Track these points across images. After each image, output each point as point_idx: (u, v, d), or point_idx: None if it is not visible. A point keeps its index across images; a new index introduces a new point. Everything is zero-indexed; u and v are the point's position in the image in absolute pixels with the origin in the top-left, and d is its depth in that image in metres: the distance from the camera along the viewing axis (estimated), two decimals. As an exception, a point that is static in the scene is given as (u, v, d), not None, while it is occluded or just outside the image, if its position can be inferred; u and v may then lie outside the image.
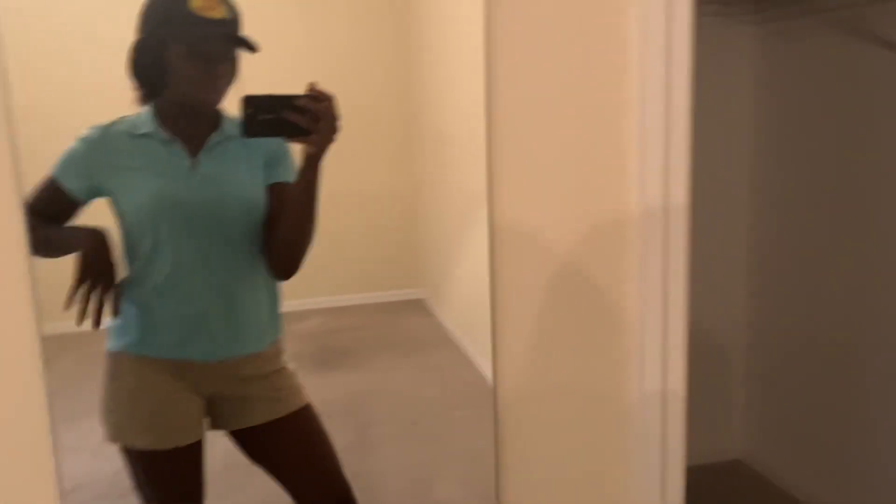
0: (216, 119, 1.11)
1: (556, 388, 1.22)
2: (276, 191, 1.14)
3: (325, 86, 1.04)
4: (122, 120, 1.09)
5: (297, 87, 1.04)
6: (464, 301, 1.80)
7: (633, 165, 1.17)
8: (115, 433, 1.13)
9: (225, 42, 1.05)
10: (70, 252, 1.05)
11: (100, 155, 1.06)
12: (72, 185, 1.05)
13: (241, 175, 1.12)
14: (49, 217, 1.03)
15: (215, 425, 1.20)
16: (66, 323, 2.25)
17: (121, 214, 1.07)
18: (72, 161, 1.05)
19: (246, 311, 1.17)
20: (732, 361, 2.55)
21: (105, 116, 1.08)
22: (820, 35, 2.12)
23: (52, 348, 2.13)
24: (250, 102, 0.97)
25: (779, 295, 2.41)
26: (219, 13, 1.05)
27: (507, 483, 1.23)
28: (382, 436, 1.38)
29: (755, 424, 2.57)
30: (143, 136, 1.08)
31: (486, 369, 1.58)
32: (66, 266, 2.05)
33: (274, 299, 1.23)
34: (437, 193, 1.91)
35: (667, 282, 1.17)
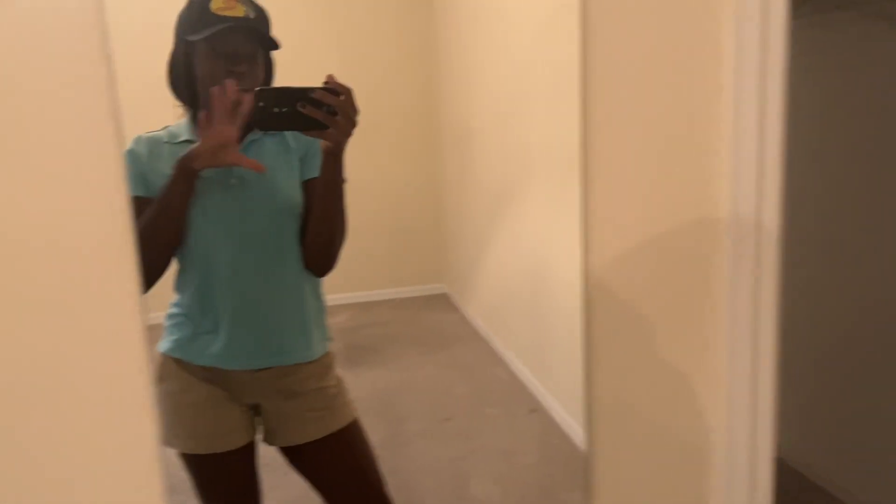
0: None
1: (645, 402, 1.19)
2: (311, 187, 1.12)
3: (348, 81, 1.03)
4: (163, 130, 1.09)
5: (318, 80, 1.03)
6: (490, 296, 1.78)
7: (726, 175, 1.15)
8: (166, 437, 1.12)
9: (242, 38, 1.03)
10: (177, 200, 1.03)
11: (146, 163, 1.06)
12: (142, 192, 1.05)
13: (279, 173, 1.11)
14: None
15: (264, 438, 1.18)
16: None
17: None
18: (131, 175, 1.05)
19: (291, 318, 1.15)
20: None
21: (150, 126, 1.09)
22: (858, 26, 2.07)
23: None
24: (262, 95, 0.95)
25: (811, 293, 2.37)
26: (239, 11, 1.03)
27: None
28: (415, 433, 1.37)
29: (794, 423, 2.53)
30: (183, 143, 1.07)
31: (515, 365, 1.56)
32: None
33: (321, 308, 1.21)
34: (461, 188, 1.89)
35: (757, 297, 1.15)
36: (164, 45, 1.13)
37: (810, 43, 2.25)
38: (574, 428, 1.26)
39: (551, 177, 1.45)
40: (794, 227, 2.40)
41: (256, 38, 1.05)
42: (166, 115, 1.13)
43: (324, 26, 2.81)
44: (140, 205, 1.03)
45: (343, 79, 1.03)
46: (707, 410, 1.24)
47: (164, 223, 1.04)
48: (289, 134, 1.10)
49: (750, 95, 1.10)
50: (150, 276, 1.05)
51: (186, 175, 1.02)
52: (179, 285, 1.10)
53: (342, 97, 0.96)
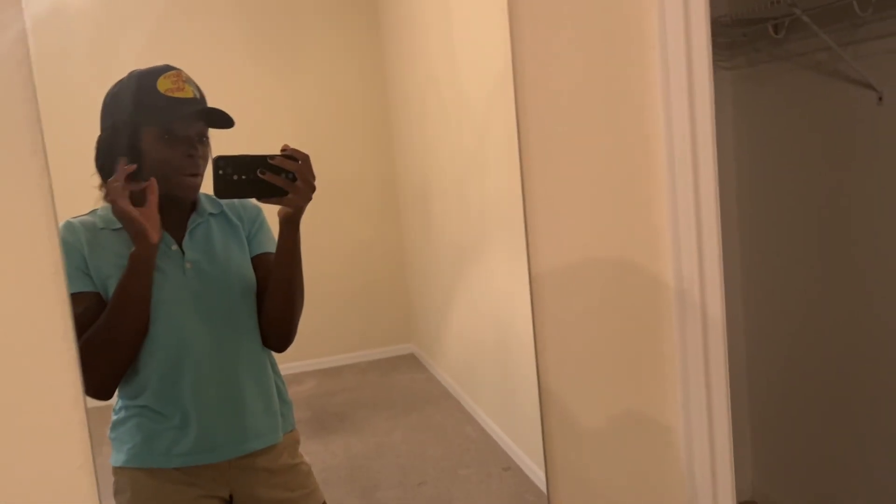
0: (193, 201, 1.09)
1: (602, 426, 1.19)
2: (261, 262, 1.11)
3: (305, 146, 1.04)
4: (93, 213, 1.04)
5: (275, 148, 1.04)
6: (457, 353, 1.77)
7: (666, 219, 1.18)
8: None
9: (202, 119, 1.03)
10: (133, 294, 0.98)
11: (86, 254, 1.01)
12: (88, 285, 0.99)
13: (232, 254, 1.09)
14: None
15: None
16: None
17: None
18: (71, 269, 0.98)
19: (259, 398, 1.11)
20: (736, 407, 2.55)
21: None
22: (788, 76, 2.19)
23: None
24: (223, 162, 0.95)
25: (774, 338, 2.42)
26: (188, 93, 1.03)
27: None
28: (389, 499, 1.34)
29: (764, 465, 2.54)
30: (121, 229, 1.02)
31: (486, 423, 1.55)
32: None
33: (282, 383, 1.18)
34: (423, 248, 1.91)
35: (706, 329, 1.17)
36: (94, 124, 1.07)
37: (748, 95, 2.36)
38: (545, 483, 1.25)
39: (511, 233, 1.48)
40: (748, 271, 2.47)
41: (212, 119, 1.04)
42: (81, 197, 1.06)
43: (278, 94, 2.85)
44: (84, 301, 0.98)
45: (299, 145, 1.04)
46: (664, 463, 1.25)
47: (129, 318, 0.99)
48: (230, 211, 1.10)
49: (683, 151, 1.15)
50: (115, 376, 1.01)
51: (145, 263, 0.99)
52: (132, 384, 1.03)
53: (300, 163, 0.97)
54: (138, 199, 0.97)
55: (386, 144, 2.85)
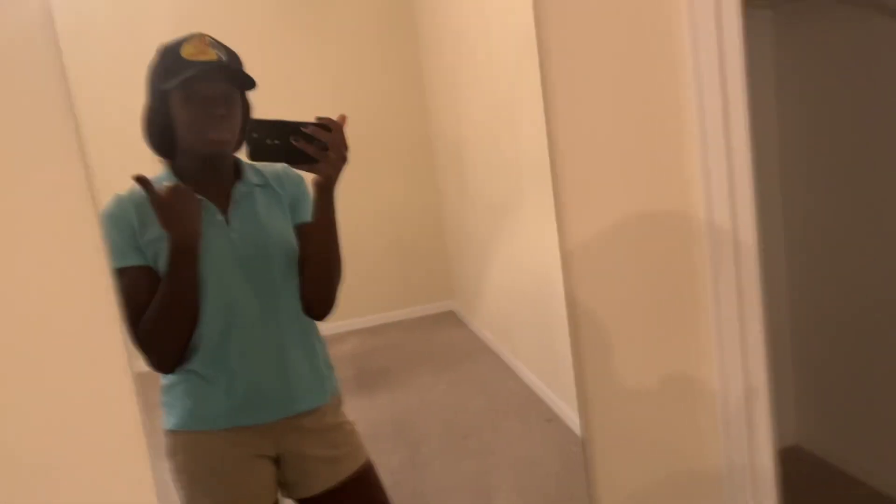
0: (235, 169, 1.10)
1: (638, 391, 1.20)
2: (302, 231, 1.12)
3: (338, 107, 1.04)
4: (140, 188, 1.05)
5: (311, 112, 1.04)
6: (497, 309, 1.79)
7: (697, 169, 1.16)
8: None
9: (217, 81, 1.03)
10: (183, 283, 1.01)
11: (137, 228, 1.03)
12: (138, 260, 1.01)
13: (275, 223, 1.10)
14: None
15: (285, 493, 1.17)
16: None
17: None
18: (119, 242, 1.01)
19: (302, 362, 1.14)
20: (779, 350, 2.52)
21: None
22: (832, 12, 2.10)
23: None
24: (257, 127, 0.96)
25: (818, 280, 2.38)
26: (211, 56, 1.03)
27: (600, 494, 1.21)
28: (434, 453, 1.37)
29: (809, 409, 2.53)
30: None
31: (527, 376, 1.57)
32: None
33: (325, 346, 1.20)
34: (460, 205, 1.91)
35: (741, 285, 1.16)
36: (130, 99, 1.10)
37: (789, 35, 2.27)
38: (591, 434, 1.26)
39: (547, 187, 1.47)
40: (791, 217, 2.42)
41: (231, 79, 1.04)
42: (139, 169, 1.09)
43: (314, 58, 2.84)
44: (136, 275, 1.01)
45: (332, 105, 1.04)
46: (701, 410, 1.25)
47: (181, 307, 1.02)
48: (275, 182, 1.11)
49: (713, 95, 1.12)
50: (175, 354, 1.05)
51: (187, 259, 1.00)
52: (193, 348, 1.08)
53: (333, 132, 0.98)
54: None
55: (419, 103, 2.84)
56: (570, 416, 1.40)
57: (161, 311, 1.01)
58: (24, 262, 0.88)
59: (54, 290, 0.89)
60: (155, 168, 1.09)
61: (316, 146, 0.97)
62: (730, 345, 1.17)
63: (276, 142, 0.96)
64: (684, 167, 1.16)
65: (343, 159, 1.01)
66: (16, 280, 0.88)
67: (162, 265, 1.02)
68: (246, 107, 1.09)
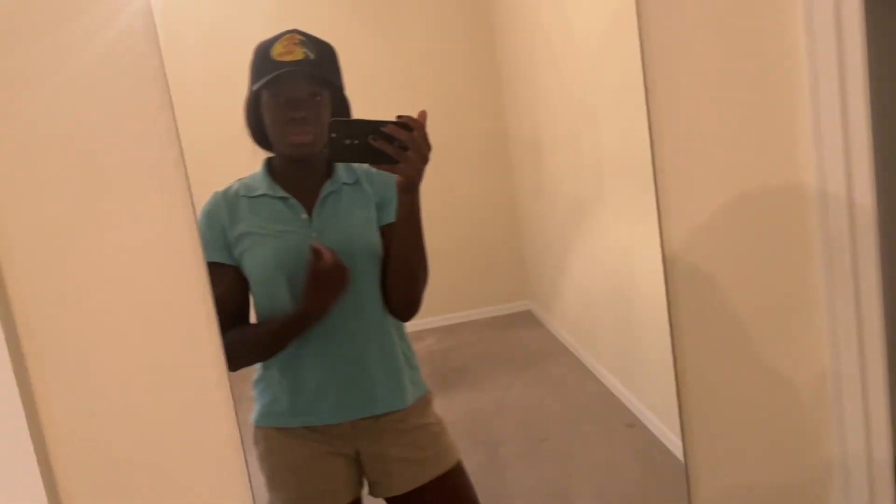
0: (327, 168, 1.11)
1: (743, 387, 1.15)
2: (387, 232, 1.11)
3: (414, 104, 1.03)
4: (238, 183, 1.10)
5: (385, 111, 1.04)
6: (575, 309, 1.75)
7: (810, 160, 1.10)
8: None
9: (300, 82, 1.04)
10: (292, 335, 1.08)
11: (226, 225, 1.07)
12: (223, 258, 1.07)
13: (358, 222, 1.10)
14: (237, 307, 1.06)
15: (370, 491, 1.18)
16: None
17: (250, 281, 1.08)
18: (209, 237, 1.06)
19: (381, 364, 1.13)
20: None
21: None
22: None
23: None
24: (336, 126, 0.96)
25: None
26: (298, 55, 1.03)
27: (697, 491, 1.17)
28: (512, 455, 1.35)
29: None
30: (259, 196, 1.09)
31: (607, 379, 1.53)
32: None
33: (410, 349, 1.19)
34: (537, 204, 1.88)
35: (858, 290, 1.09)
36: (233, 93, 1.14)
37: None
38: (674, 441, 1.22)
39: (629, 184, 1.43)
40: None
41: (316, 80, 1.04)
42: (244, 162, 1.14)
43: (389, 56, 2.86)
44: (220, 271, 1.05)
45: (409, 102, 1.04)
46: (813, 413, 1.17)
47: (272, 350, 1.08)
48: (365, 180, 1.11)
49: (828, 61, 1.04)
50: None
51: (304, 326, 1.05)
52: None
53: (414, 132, 0.96)
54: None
55: (496, 99, 2.82)
56: (653, 420, 1.35)
57: (251, 346, 1.05)
58: (127, 262, 0.92)
59: (153, 289, 0.93)
60: (253, 163, 1.12)
61: (396, 146, 0.96)
62: (845, 337, 1.10)
63: (355, 141, 0.96)
64: (796, 162, 1.10)
65: (424, 159, 0.99)
66: (118, 281, 0.92)
67: (246, 265, 1.05)
68: (339, 103, 1.09)
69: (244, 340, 1.07)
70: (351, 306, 1.09)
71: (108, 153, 0.89)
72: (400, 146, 0.96)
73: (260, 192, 1.08)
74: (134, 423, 0.93)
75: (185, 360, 0.94)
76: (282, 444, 1.12)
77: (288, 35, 1.05)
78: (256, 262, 1.07)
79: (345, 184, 1.11)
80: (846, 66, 1.03)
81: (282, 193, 1.08)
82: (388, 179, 1.10)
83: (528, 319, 2.42)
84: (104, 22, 0.85)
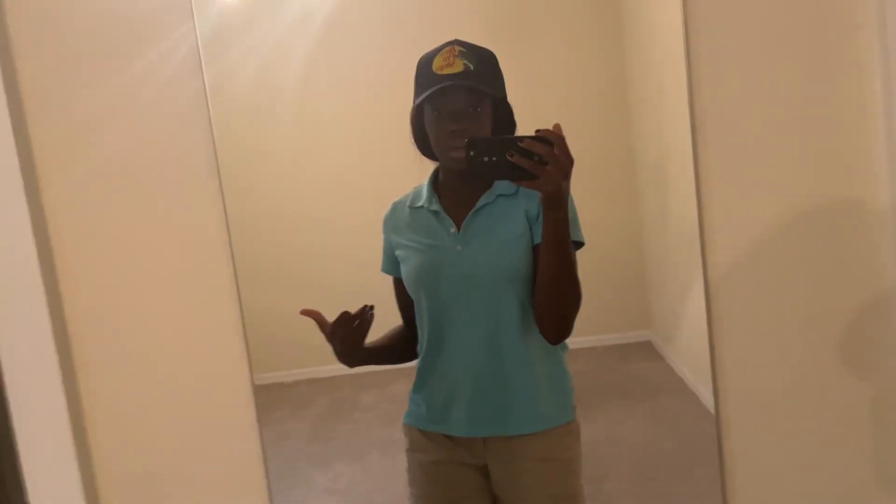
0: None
1: (787, 423, 1.08)
2: (538, 250, 1.07)
3: (540, 124, 1.02)
4: (412, 191, 1.16)
5: (524, 128, 1.03)
6: (697, 344, 1.68)
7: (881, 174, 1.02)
8: (411, 500, 1.19)
9: (459, 95, 1.02)
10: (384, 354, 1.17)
11: (390, 234, 1.15)
12: (393, 271, 1.16)
13: (506, 237, 1.08)
14: (410, 309, 1.15)
15: None
16: (323, 368, 2.47)
17: (406, 285, 1.14)
18: (383, 250, 1.17)
19: (517, 386, 1.11)
20: None
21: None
22: None
23: (307, 392, 2.34)
24: (472, 145, 0.96)
25: None
26: (457, 67, 1.02)
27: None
28: (618, 491, 1.32)
29: None
30: (419, 208, 1.13)
31: (729, 419, 1.45)
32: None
33: (560, 375, 1.16)
34: (661, 231, 1.83)
35: None
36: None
37: None
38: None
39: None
40: None
41: (476, 92, 1.03)
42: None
43: (516, 73, 2.88)
44: (395, 282, 1.15)
45: (535, 123, 1.02)
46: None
47: (379, 362, 1.17)
48: (523, 197, 1.10)
49: None
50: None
51: (348, 363, 1.12)
52: (421, 354, 1.16)
53: (553, 146, 0.94)
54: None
55: (623, 123, 2.76)
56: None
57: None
58: (162, 280, 1.05)
59: (185, 304, 1.04)
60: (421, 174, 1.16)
61: (535, 161, 0.94)
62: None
63: (494, 158, 0.95)
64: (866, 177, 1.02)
65: (565, 174, 0.94)
66: (152, 300, 1.04)
67: (401, 272, 1.12)
68: (501, 112, 1.09)
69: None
70: (487, 323, 1.09)
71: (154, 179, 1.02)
72: (539, 161, 0.94)
73: (419, 203, 1.12)
74: (162, 431, 1.06)
75: (215, 375, 1.05)
76: (421, 443, 1.17)
77: (448, 47, 1.06)
78: (405, 277, 1.12)
79: (501, 195, 1.10)
80: None
81: (436, 207, 1.11)
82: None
83: (647, 351, 2.34)
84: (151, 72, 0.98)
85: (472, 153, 0.95)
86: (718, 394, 1.07)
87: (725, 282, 1.09)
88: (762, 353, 1.08)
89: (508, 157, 0.94)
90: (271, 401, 2.47)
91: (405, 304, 1.16)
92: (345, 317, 1.05)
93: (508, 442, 1.12)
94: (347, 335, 1.06)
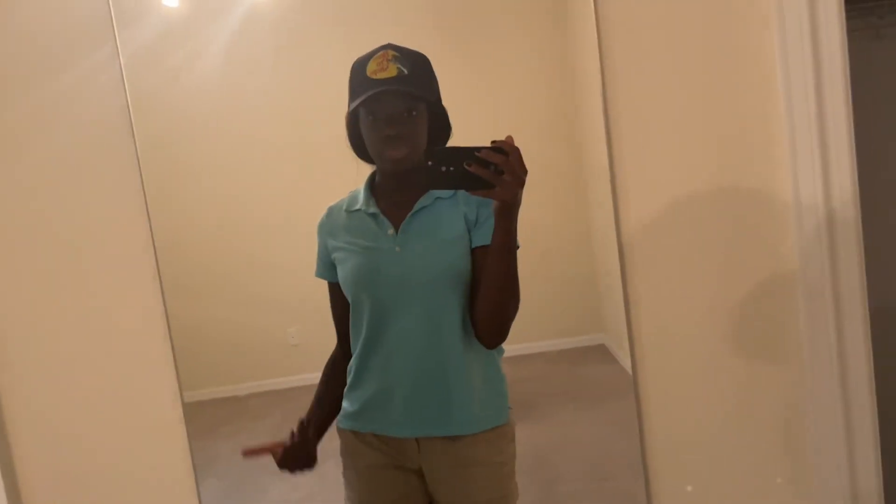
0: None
1: (706, 404, 1.12)
2: (478, 254, 1.08)
3: (491, 135, 1.03)
4: (349, 195, 1.16)
5: (470, 134, 1.04)
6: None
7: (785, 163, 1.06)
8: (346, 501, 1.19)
9: (393, 99, 1.03)
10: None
11: (325, 238, 1.14)
12: (328, 275, 1.15)
13: (444, 240, 1.09)
14: (345, 324, 1.15)
15: None
16: (277, 380, 2.44)
17: (343, 289, 1.13)
18: (318, 255, 1.16)
19: (452, 388, 1.11)
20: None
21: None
22: None
23: (264, 405, 2.31)
24: (431, 155, 0.97)
25: None
26: (391, 72, 1.03)
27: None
28: (570, 493, 1.33)
29: None
30: (356, 211, 1.12)
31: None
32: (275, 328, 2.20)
33: (495, 377, 1.17)
34: (611, 234, 1.85)
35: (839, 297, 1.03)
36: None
37: None
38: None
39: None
40: None
41: (410, 95, 1.04)
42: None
43: (472, 86, 2.91)
44: (330, 287, 1.14)
45: (486, 133, 1.04)
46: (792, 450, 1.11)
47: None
48: (462, 200, 1.11)
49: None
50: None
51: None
52: (355, 354, 1.15)
53: (509, 157, 0.95)
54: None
55: (572, 130, 2.80)
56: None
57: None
58: (86, 297, 1.05)
59: (113, 323, 1.04)
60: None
61: (492, 170, 0.96)
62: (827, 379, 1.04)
63: (451, 168, 0.96)
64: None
65: (520, 182, 0.96)
66: (77, 319, 1.04)
67: (339, 281, 1.12)
68: (436, 116, 1.09)
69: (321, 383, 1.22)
70: (425, 324, 1.09)
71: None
72: (496, 171, 0.96)
73: (357, 206, 1.12)
74: (93, 446, 1.06)
75: (144, 394, 1.10)
76: (355, 447, 1.15)
77: (382, 51, 1.06)
78: (342, 279, 1.11)
79: (438, 198, 1.10)
80: (822, 72, 0.99)
81: (373, 209, 1.11)
82: (484, 199, 1.08)
83: (601, 354, 2.37)
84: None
85: (429, 163, 0.96)
86: (637, 371, 1.11)
87: (639, 269, 1.14)
88: (674, 333, 1.12)
89: (466, 167, 0.95)
90: (226, 414, 2.44)
91: (341, 312, 1.14)
92: (283, 454, 1.14)
93: (444, 444, 1.12)
94: (298, 456, 1.14)
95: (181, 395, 1.11)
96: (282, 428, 2.09)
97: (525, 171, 0.98)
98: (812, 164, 1.02)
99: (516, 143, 0.96)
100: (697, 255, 1.15)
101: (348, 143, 1.12)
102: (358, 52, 1.08)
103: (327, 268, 1.14)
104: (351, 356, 1.14)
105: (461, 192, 1.10)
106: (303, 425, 1.14)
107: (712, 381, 1.17)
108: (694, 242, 1.13)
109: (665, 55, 1.08)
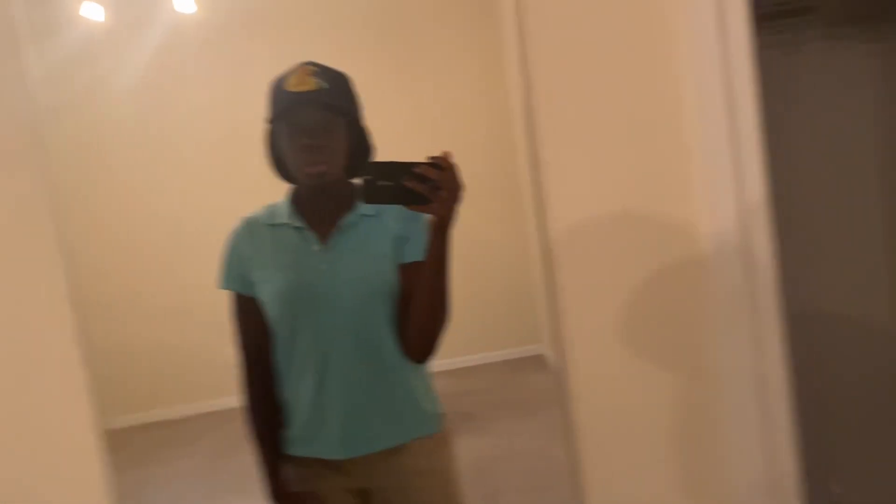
0: (349, 198, 1.11)
1: (637, 405, 1.16)
2: (407, 270, 1.06)
3: (427, 148, 1.04)
4: (266, 208, 1.12)
5: (410, 153, 1.04)
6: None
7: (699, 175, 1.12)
8: None
9: (312, 111, 1.04)
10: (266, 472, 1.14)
11: (244, 250, 1.10)
12: (237, 287, 1.09)
13: (373, 257, 1.07)
14: (256, 334, 1.09)
15: None
16: (213, 402, 2.38)
17: (265, 306, 1.09)
18: (227, 265, 1.11)
19: (386, 402, 1.10)
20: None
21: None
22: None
23: (200, 427, 2.24)
24: (369, 168, 0.96)
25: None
26: (310, 85, 1.03)
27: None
28: (513, 503, 1.35)
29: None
30: (279, 225, 1.10)
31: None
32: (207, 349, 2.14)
33: (426, 388, 1.16)
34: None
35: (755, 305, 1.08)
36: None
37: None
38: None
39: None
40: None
41: (329, 108, 1.03)
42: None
43: (400, 96, 2.93)
44: (237, 301, 1.09)
45: (421, 147, 1.04)
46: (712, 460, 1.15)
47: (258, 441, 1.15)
48: (389, 215, 1.10)
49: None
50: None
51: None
52: (282, 371, 1.12)
53: (446, 172, 0.95)
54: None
55: (508, 144, 2.86)
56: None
57: (250, 433, 1.14)
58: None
59: (24, 353, 1.03)
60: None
61: (428, 186, 0.95)
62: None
63: (389, 183, 0.95)
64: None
65: (457, 198, 0.96)
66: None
67: (260, 296, 1.08)
68: (356, 133, 1.09)
69: (250, 421, 1.13)
70: (354, 342, 1.08)
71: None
72: (432, 186, 0.95)
73: (279, 220, 1.09)
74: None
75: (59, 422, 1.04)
76: (294, 471, 1.12)
77: (302, 66, 1.06)
78: (265, 294, 1.08)
79: (364, 215, 1.09)
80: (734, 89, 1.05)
81: (298, 223, 1.08)
82: (411, 215, 1.08)
83: (539, 364, 2.41)
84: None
85: (368, 177, 0.95)
86: (568, 381, 1.13)
87: (568, 279, 1.15)
88: (601, 342, 1.14)
89: (404, 182, 0.95)
90: (160, 439, 2.37)
91: (253, 326, 1.10)
92: None
93: (385, 458, 1.11)
94: None
95: (99, 421, 1.06)
96: (218, 452, 2.04)
97: (462, 188, 0.98)
98: (725, 176, 1.07)
99: (454, 160, 0.97)
100: (621, 265, 1.17)
101: (268, 160, 1.11)
102: (281, 69, 1.08)
103: (238, 280, 1.09)
104: (264, 372, 1.11)
105: (387, 208, 1.09)
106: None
107: (640, 388, 1.19)
108: (617, 253, 1.16)
109: (585, 74, 1.11)
